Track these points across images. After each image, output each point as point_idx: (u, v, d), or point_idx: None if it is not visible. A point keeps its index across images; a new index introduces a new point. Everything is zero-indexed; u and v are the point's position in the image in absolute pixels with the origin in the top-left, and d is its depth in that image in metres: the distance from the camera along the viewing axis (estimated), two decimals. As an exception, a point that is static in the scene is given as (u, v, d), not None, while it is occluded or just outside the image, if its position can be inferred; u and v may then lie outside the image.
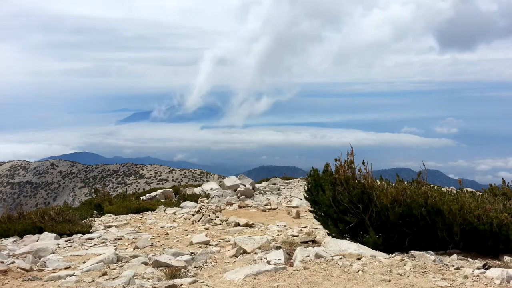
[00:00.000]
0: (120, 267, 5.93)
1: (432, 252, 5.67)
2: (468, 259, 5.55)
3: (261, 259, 5.88)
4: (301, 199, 14.60)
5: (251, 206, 13.98)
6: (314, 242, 7.29)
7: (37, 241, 8.71)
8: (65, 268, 6.11)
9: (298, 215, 11.67)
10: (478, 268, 4.84)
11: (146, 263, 6.10)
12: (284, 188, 19.22)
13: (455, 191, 6.71)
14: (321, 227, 7.82)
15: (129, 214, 12.80)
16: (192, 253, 7.00)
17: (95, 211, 14.12)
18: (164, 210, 13.24)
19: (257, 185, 19.19)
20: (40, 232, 9.33)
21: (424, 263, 5.09)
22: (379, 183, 6.74)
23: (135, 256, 6.66)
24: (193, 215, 11.17)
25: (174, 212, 12.53)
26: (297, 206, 13.75)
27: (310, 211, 7.74)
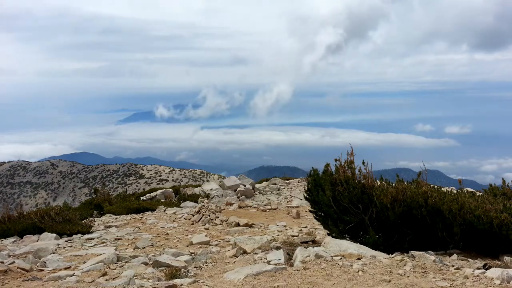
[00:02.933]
0: (120, 267, 5.93)
1: (432, 252, 5.67)
2: (468, 259, 5.55)
3: (261, 259, 5.88)
4: (301, 199, 14.59)
5: (251, 206, 13.98)
6: (314, 242, 7.29)
7: (37, 241, 8.71)
8: (65, 268, 6.11)
9: (298, 215, 11.67)
10: (478, 268, 4.84)
11: (146, 263, 6.10)
12: (284, 188, 19.20)
13: (455, 191, 6.70)
14: (321, 227, 7.82)
15: (129, 214, 12.80)
16: (192, 253, 7.00)
17: (95, 211, 14.12)
18: (164, 210, 13.24)
19: (257, 185, 19.18)
20: (40, 232, 9.33)
21: (424, 263, 5.09)
22: (379, 183, 6.74)
23: (135, 256, 6.66)
24: (193, 215, 11.17)
25: (174, 212, 12.53)
26: (297, 206, 13.74)
27: (310, 211, 7.74)
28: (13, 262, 6.13)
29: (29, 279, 5.39)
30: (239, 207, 13.68)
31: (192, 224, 10.52)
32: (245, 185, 18.06)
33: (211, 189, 18.03)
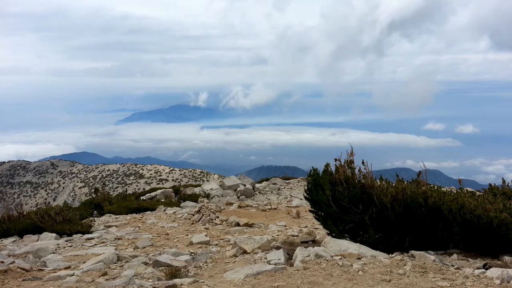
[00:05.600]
0: (120, 267, 5.93)
1: (432, 252, 5.67)
2: (468, 259, 5.55)
3: (261, 259, 5.88)
4: (301, 199, 14.59)
5: (251, 206, 13.98)
6: (314, 242, 7.30)
7: (37, 241, 8.72)
8: (65, 268, 6.11)
9: (298, 215, 11.67)
10: (478, 268, 4.84)
11: (146, 263, 6.10)
12: (284, 188, 19.21)
13: (455, 191, 6.70)
14: (321, 227, 7.81)
15: (129, 214, 12.81)
16: (192, 253, 7.01)
17: (95, 211, 14.13)
18: (164, 210, 13.24)
19: (257, 185, 19.19)
20: (40, 232, 9.34)
21: (424, 263, 5.09)
22: (379, 183, 6.74)
23: (135, 256, 6.66)
24: (193, 215, 11.17)
25: (174, 212, 12.54)
26: (297, 206, 13.74)
27: (310, 211, 7.74)
28: (13, 262, 6.14)
29: (29, 279, 5.39)
30: (239, 207, 13.69)
31: (192, 224, 10.53)
32: (245, 185, 18.07)
33: (211, 189, 18.05)
